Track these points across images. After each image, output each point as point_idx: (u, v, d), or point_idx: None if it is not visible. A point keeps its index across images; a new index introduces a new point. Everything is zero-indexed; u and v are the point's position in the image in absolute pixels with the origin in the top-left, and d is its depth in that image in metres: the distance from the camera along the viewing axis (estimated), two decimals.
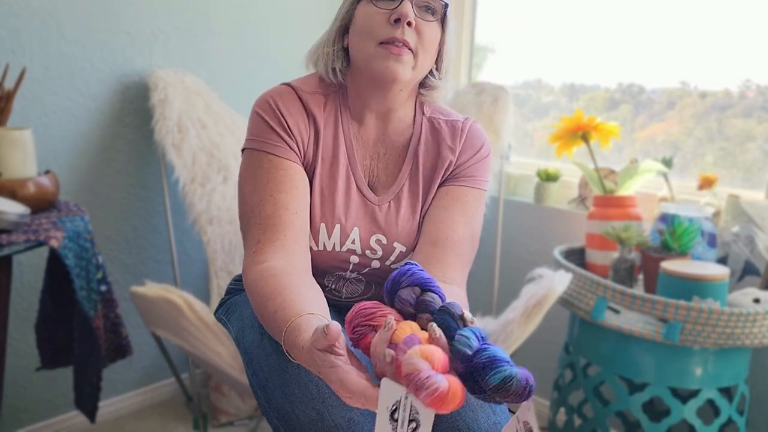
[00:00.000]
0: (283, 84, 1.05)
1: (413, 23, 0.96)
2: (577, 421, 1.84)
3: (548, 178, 2.03)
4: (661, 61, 1.91)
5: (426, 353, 0.65)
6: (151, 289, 1.54)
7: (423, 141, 1.07)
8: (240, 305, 1.09)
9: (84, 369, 1.53)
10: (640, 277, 1.70)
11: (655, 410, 1.72)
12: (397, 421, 0.64)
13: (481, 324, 1.72)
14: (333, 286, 1.09)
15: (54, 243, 1.30)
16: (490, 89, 1.99)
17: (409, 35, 0.96)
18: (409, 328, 0.71)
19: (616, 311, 1.54)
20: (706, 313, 1.40)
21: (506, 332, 1.57)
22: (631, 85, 2.02)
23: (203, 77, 1.94)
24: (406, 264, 0.78)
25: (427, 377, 0.62)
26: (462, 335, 0.69)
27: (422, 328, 0.73)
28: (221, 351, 1.51)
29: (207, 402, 2.05)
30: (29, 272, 1.73)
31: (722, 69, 1.81)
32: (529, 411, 0.73)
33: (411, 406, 0.64)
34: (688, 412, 1.50)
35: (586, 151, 1.82)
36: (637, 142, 2.01)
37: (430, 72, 1.04)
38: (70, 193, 1.76)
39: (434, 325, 0.70)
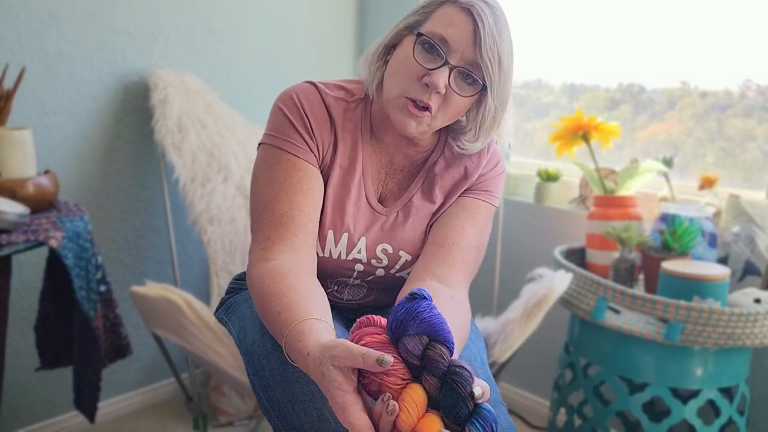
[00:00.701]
0: (308, 82, 1.03)
1: (442, 93, 0.92)
2: (578, 422, 1.84)
3: (548, 178, 2.03)
4: (662, 61, 1.91)
5: None
6: (151, 288, 1.54)
7: (443, 157, 1.06)
8: (240, 305, 1.09)
9: (83, 369, 1.53)
10: (641, 277, 1.69)
11: (656, 410, 1.72)
12: None
13: (481, 324, 1.72)
14: (335, 289, 1.08)
15: (53, 243, 1.30)
16: None
17: (434, 100, 0.93)
18: (413, 403, 0.69)
19: (617, 311, 1.54)
20: (706, 313, 1.40)
21: (506, 332, 1.56)
22: (631, 85, 2.02)
23: (203, 77, 1.94)
24: (415, 299, 0.73)
25: None
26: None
27: (428, 392, 0.70)
28: (222, 351, 1.51)
29: (207, 402, 2.05)
30: (29, 272, 1.73)
31: (722, 69, 1.81)
32: None
33: None
34: (689, 412, 1.50)
35: (587, 151, 1.82)
36: (637, 142, 2.01)
37: (464, 134, 1.01)
38: (70, 193, 1.76)
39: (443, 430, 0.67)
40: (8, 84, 1.51)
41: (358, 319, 0.76)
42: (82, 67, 1.74)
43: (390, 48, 0.99)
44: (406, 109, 0.93)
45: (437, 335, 0.71)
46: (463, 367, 0.70)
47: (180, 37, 1.91)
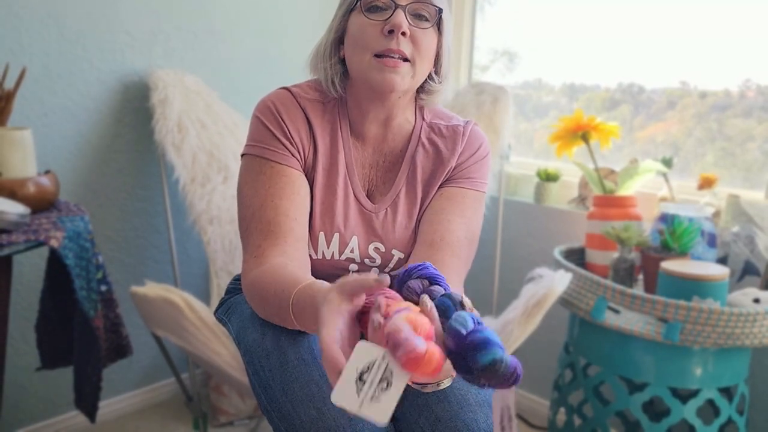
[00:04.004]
0: (282, 88, 1.04)
1: (407, 33, 0.94)
2: (577, 421, 1.84)
3: (548, 178, 2.03)
4: (661, 61, 1.92)
5: (411, 319, 0.66)
6: (151, 289, 1.54)
7: (422, 146, 1.06)
8: (240, 305, 1.09)
9: (84, 369, 1.53)
10: (640, 277, 1.70)
11: (655, 410, 1.72)
12: (364, 382, 0.64)
13: None
14: None
15: (54, 243, 1.30)
16: (490, 89, 1.99)
17: (404, 45, 0.94)
18: (405, 304, 0.71)
19: (616, 311, 1.54)
20: (706, 313, 1.40)
21: (506, 332, 1.57)
22: (631, 85, 2.02)
23: (203, 77, 1.94)
24: (419, 263, 0.79)
25: (406, 338, 0.63)
26: (459, 315, 0.70)
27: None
28: (221, 351, 1.51)
29: (207, 402, 2.05)
30: (29, 272, 1.73)
31: (722, 69, 1.81)
32: (511, 395, 0.74)
33: (386, 367, 0.64)
34: (688, 412, 1.50)
35: (586, 151, 1.82)
36: (637, 142, 2.01)
37: (429, 76, 1.03)
38: (70, 193, 1.76)
39: (426, 297, 0.71)
40: (9, 84, 1.51)
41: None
42: (83, 67, 1.74)
43: (339, 40, 1.02)
44: (383, 65, 0.95)
45: (437, 281, 0.78)
46: (455, 293, 0.75)
47: (180, 37, 1.92)
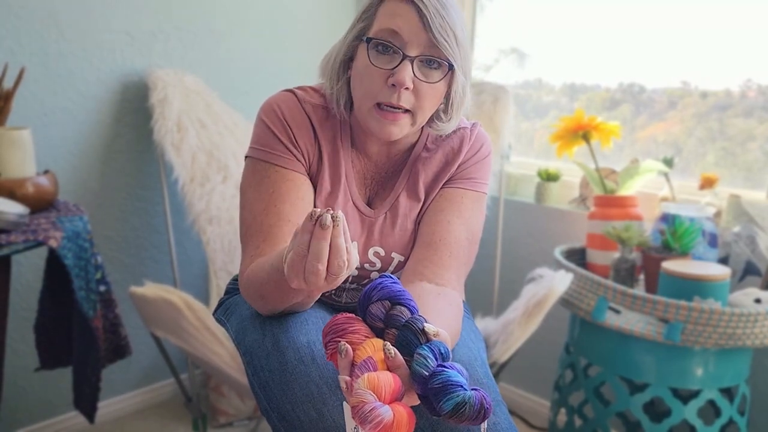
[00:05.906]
0: (287, 91, 1.03)
1: (410, 87, 0.91)
2: (578, 422, 1.83)
3: (549, 178, 2.03)
4: (662, 60, 1.91)
5: (373, 383, 0.67)
6: (151, 289, 1.53)
7: (425, 151, 1.05)
8: (239, 305, 1.08)
9: (83, 369, 1.52)
10: (641, 277, 1.69)
11: (656, 411, 1.71)
12: None
13: (481, 324, 1.72)
14: (333, 293, 1.08)
15: (53, 243, 1.29)
16: (490, 89, 1.99)
17: (406, 99, 0.92)
18: (371, 347, 0.73)
19: (617, 311, 1.54)
20: (707, 314, 1.40)
21: (507, 332, 1.56)
22: (631, 85, 2.02)
23: (203, 77, 1.94)
24: (379, 277, 0.80)
25: (370, 410, 0.64)
26: (420, 355, 0.71)
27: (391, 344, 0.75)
28: (220, 351, 1.50)
29: (206, 402, 2.05)
30: (28, 272, 1.73)
31: (723, 69, 1.81)
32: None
33: None
34: (689, 412, 1.50)
35: (587, 150, 1.82)
36: (637, 142, 2.01)
37: (437, 114, 1.00)
38: (70, 193, 1.76)
39: (388, 345, 0.72)
40: (8, 84, 1.51)
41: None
42: (82, 67, 1.74)
43: (347, 62, 0.99)
44: (382, 117, 0.93)
45: (398, 299, 0.77)
46: (420, 316, 0.75)
47: (180, 37, 1.91)
